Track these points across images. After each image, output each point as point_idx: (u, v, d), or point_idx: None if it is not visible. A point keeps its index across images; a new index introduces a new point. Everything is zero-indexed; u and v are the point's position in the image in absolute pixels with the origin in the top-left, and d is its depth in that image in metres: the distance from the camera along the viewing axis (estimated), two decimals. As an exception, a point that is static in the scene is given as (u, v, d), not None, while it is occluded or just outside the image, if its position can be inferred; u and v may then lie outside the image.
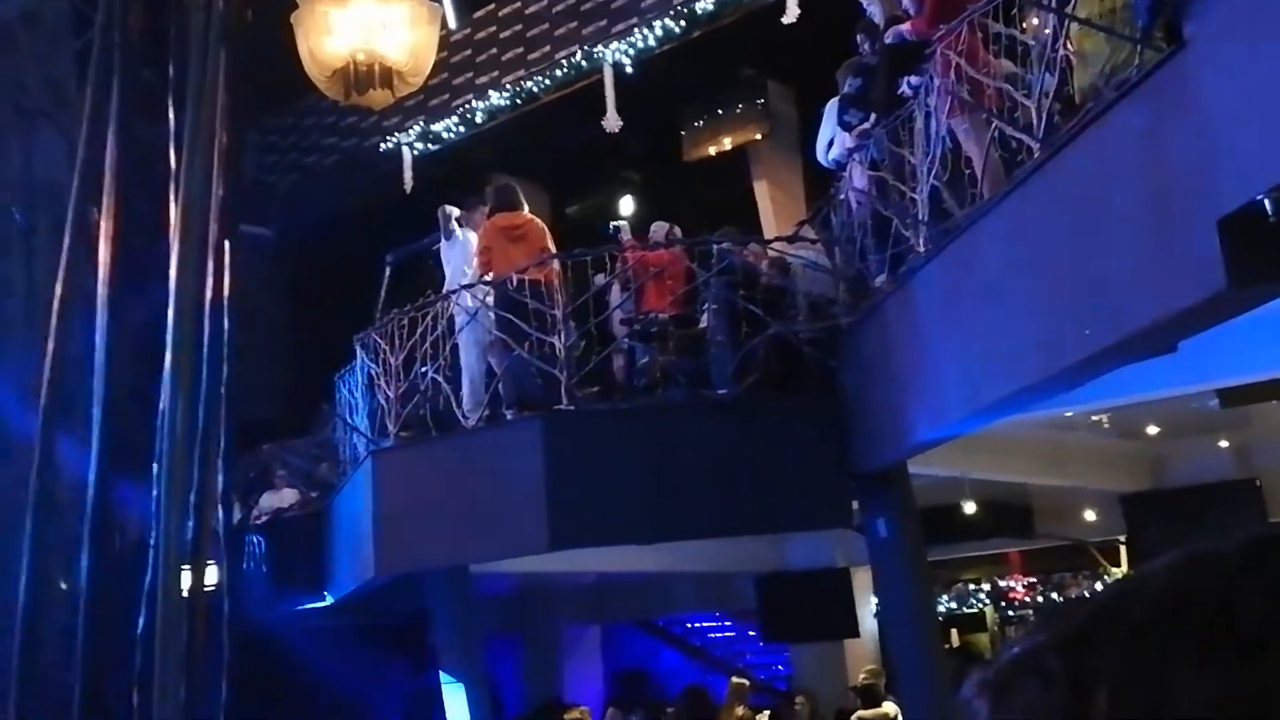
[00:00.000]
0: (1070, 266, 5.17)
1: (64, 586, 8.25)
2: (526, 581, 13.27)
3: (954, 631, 14.74)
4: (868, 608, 13.10)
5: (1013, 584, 14.48)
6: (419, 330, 9.22)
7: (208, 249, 7.43)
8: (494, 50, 14.44)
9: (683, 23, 12.66)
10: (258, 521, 12.22)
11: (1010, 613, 14.50)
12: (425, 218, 10.57)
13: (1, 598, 7.98)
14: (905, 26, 7.62)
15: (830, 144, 8.89)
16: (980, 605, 14.69)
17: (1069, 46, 5.38)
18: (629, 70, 13.05)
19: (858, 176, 8.19)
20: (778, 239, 9.96)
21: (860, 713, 10.56)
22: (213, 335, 7.40)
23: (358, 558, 9.83)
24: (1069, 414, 9.28)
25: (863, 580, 12.45)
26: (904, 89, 7.35)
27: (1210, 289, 4.10)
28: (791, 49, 12.10)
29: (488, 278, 9.05)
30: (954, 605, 14.65)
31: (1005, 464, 9.96)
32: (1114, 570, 12.66)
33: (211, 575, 7.55)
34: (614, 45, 13.07)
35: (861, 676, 11.09)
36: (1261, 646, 0.59)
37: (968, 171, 6.52)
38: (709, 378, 8.69)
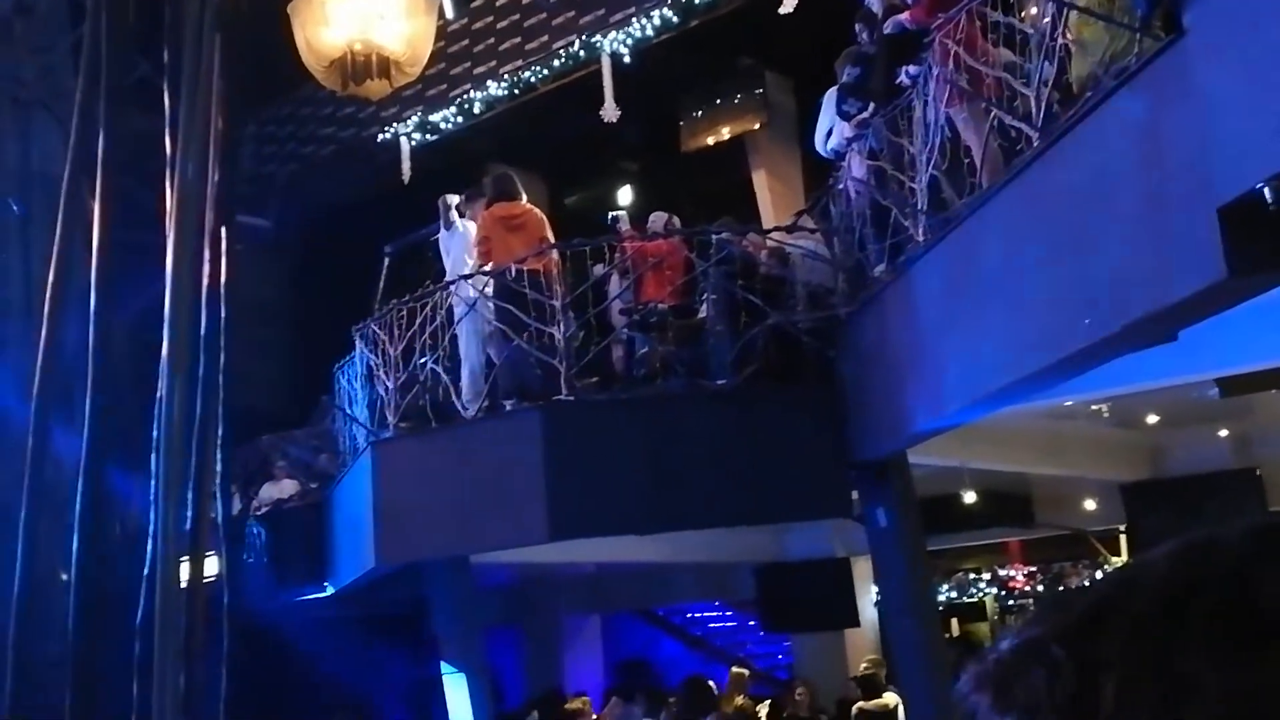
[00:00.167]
0: (1069, 256, 5.16)
1: (65, 578, 8.24)
2: (526, 572, 13.28)
3: (954, 621, 14.75)
4: (868, 598, 13.12)
5: (1013, 573, 14.49)
6: (418, 321, 9.21)
7: (204, 237, 7.41)
8: (491, 40, 14.39)
9: (681, 13, 12.63)
10: (258, 513, 12.22)
11: (1010, 602, 14.51)
12: (423, 208, 10.56)
13: (2, 589, 7.97)
14: (904, 15, 7.61)
15: (829, 133, 8.87)
16: (980, 594, 14.71)
17: (1068, 35, 5.37)
18: (627, 60, 13.01)
19: (856, 166, 8.18)
20: (776, 229, 9.96)
21: (861, 703, 10.57)
22: (209, 324, 7.38)
23: (358, 549, 9.84)
24: (1068, 403, 9.27)
25: (863, 570, 12.46)
26: (902, 78, 7.33)
27: (1210, 277, 4.10)
28: (789, 39, 12.10)
29: (487, 268, 9.05)
30: (954, 595, 14.66)
31: (1005, 453, 9.96)
32: (1114, 559, 12.65)
33: (211, 566, 7.55)
34: (612, 35, 13.03)
35: (862, 666, 11.11)
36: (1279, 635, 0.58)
37: (966, 161, 6.50)
38: (708, 368, 8.68)
